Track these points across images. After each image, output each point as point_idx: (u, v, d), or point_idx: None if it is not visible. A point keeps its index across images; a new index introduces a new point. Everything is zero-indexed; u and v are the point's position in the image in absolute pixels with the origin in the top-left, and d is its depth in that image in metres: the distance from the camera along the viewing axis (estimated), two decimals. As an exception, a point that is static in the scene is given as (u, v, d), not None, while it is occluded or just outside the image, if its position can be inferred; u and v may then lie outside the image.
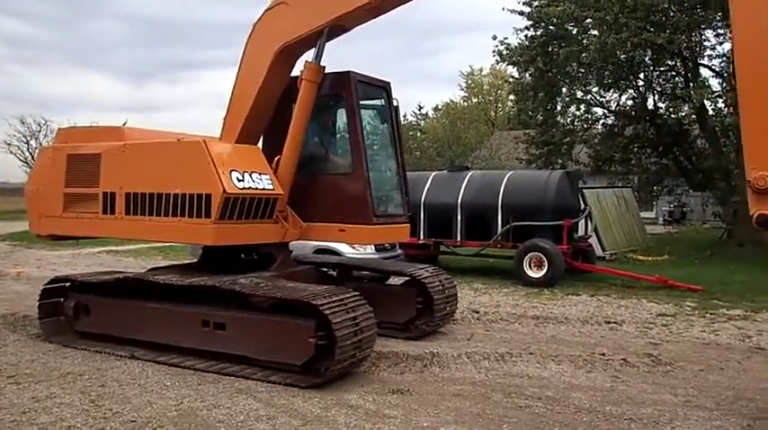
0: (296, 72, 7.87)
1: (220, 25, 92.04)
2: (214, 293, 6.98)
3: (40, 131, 47.77)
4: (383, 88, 8.25)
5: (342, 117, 7.97)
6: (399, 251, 13.09)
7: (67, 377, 6.54)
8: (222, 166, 7.06)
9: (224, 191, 6.93)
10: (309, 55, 7.70)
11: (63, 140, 8.71)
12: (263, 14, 7.81)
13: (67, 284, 8.17)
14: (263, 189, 7.36)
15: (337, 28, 7.60)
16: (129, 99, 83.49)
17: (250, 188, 7.21)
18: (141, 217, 7.58)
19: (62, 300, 8.09)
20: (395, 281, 10.54)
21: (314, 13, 7.43)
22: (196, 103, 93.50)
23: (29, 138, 48.26)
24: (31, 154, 45.55)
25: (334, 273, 9.46)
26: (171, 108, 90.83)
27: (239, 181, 7.10)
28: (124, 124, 8.49)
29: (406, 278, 8.93)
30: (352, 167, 7.71)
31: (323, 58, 7.59)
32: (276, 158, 7.66)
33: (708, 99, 19.20)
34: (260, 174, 7.40)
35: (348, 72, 7.70)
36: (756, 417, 5.69)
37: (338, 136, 8.28)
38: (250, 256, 8.12)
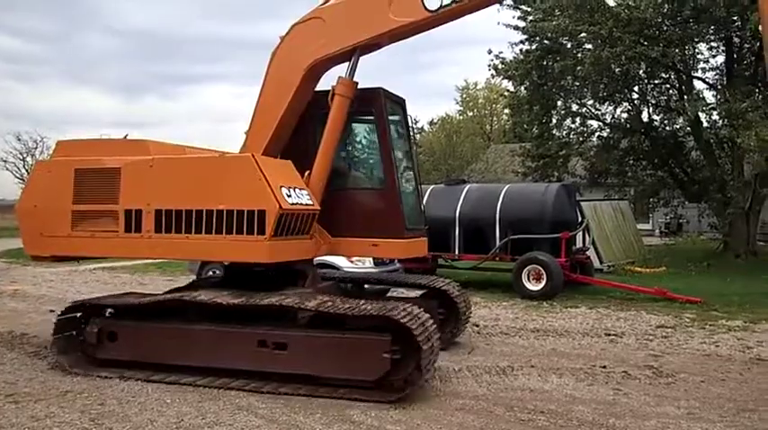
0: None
1: (215, 39, 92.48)
2: (271, 312, 6.78)
3: (36, 148, 47.84)
4: (400, 104, 8.30)
5: (370, 132, 7.99)
6: (398, 265, 12.93)
7: (67, 395, 6.47)
8: (273, 182, 6.88)
9: (280, 207, 6.74)
10: (337, 69, 7.70)
11: (64, 154, 8.00)
12: (292, 29, 7.65)
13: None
14: (306, 204, 7.23)
15: (372, 44, 7.56)
16: (123, 114, 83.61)
17: (298, 204, 7.07)
18: (177, 235, 7.15)
19: (81, 324, 7.48)
20: (394, 292, 10.54)
21: (351, 31, 7.34)
22: (191, 117, 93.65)
23: (25, 155, 48.27)
24: (27, 170, 45.24)
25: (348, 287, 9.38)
26: (166, 122, 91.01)
27: (288, 196, 6.95)
28: (125, 137, 8.37)
29: (423, 291, 8.98)
30: (384, 182, 7.74)
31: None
32: (306, 173, 7.53)
33: (702, 111, 19.35)
34: (300, 189, 7.27)
35: (378, 88, 7.71)
36: (760, 429, 5.68)
37: (367, 151, 8.28)
38: (272, 273, 7.84)
